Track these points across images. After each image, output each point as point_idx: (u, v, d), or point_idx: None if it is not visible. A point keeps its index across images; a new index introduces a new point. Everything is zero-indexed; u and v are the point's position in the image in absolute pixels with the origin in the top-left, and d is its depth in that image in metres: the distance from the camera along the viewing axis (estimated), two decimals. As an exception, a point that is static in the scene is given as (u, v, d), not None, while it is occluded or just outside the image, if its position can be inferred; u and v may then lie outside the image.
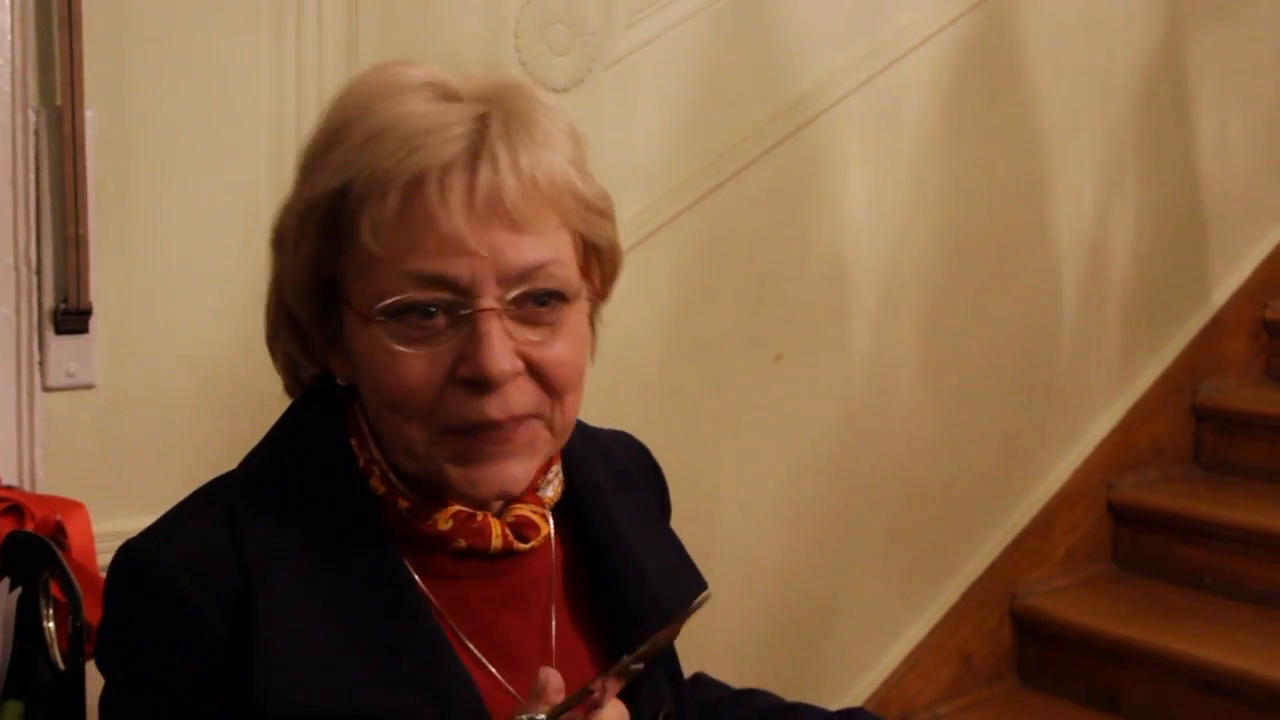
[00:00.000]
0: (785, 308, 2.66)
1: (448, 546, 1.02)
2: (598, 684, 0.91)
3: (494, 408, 0.97)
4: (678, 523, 1.28)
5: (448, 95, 1.01)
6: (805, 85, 2.64)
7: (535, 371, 0.99)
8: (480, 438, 0.98)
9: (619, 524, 1.13)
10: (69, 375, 1.81)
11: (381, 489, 1.02)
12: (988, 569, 3.06)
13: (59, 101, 1.78)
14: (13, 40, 1.76)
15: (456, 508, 1.03)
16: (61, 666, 1.42)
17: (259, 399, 1.97)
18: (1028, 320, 3.13)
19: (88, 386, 1.83)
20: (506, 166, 0.96)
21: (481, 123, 0.98)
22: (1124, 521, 3.30)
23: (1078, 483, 3.24)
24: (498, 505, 1.07)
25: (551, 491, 1.10)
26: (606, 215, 1.06)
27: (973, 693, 3.01)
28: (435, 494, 1.03)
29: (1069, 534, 3.21)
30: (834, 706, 1.31)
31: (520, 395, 0.99)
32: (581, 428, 1.18)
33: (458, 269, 0.96)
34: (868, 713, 1.27)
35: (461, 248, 0.95)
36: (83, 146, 1.78)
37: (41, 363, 1.80)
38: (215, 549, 0.97)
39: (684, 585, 1.16)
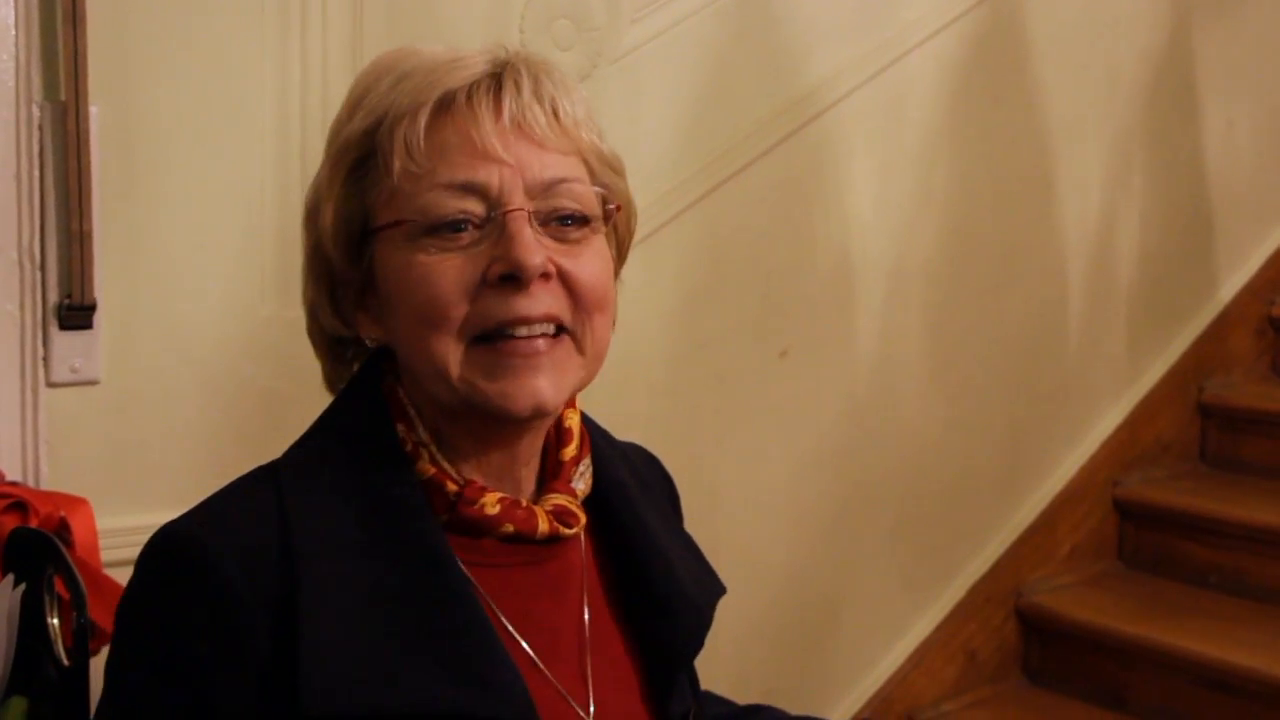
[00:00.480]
0: (791, 304, 2.65)
1: (495, 531, 1.03)
2: None
3: (524, 305, 0.99)
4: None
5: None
6: (810, 81, 2.63)
7: (565, 281, 1.02)
8: (510, 349, 1.00)
9: (645, 519, 1.14)
10: (73, 371, 1.81)
11: (430, 470, 1.02)
12: (993, 566, 3.05)
13: (63, 96, 1.77)
14: (17, 35, 1.76)
15: (501, 494, 1.04)
16: (66, 663, 1.42)
17: (263, 394, 1.98)
18: (1033, 317, 3.12)
19: (92, 382, 1.83)
20: (529, 93, 1.02)
21: (503, 62, 1.04)
22: (1129, 519, 3.29)
23: (1083, 480, 3.23)
24: (531, 490, 1.08)
25: (584, 484, 1.11)
26: (620, 174, 1.09)
27: (978, 690, 3.00)
28: (473, 431, 1.03)
29: (1074, 531, 3.21)
30: (840, 703, 1.32)
31: (551, 297, 1.01)
32: (601, 431, 1.18)
33: (487, 175, 0.99)
34: None
35: (490, 156, 1.00)
36: (87, 142, 1.78)
37: (45, 358, 1.80)
38: (264, 539, 0.96)
39: (705, 587, 1.18)
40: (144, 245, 1.87)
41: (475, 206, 0.99)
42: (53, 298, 1.79)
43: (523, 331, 1.00)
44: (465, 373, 1.00)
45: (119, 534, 1.74)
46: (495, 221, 0.99)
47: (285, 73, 1.98)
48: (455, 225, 0.99)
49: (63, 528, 1.61)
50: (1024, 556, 3.10)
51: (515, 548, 1.04)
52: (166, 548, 0.97)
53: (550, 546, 1.06)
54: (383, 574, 0.97)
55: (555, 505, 1.06)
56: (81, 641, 1.38)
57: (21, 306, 1.78)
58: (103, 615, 1.39)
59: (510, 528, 1.03)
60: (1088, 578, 3.20)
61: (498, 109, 1.00)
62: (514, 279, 0.98)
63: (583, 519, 1.08)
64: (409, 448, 1.03)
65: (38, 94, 1.78)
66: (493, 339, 1.00)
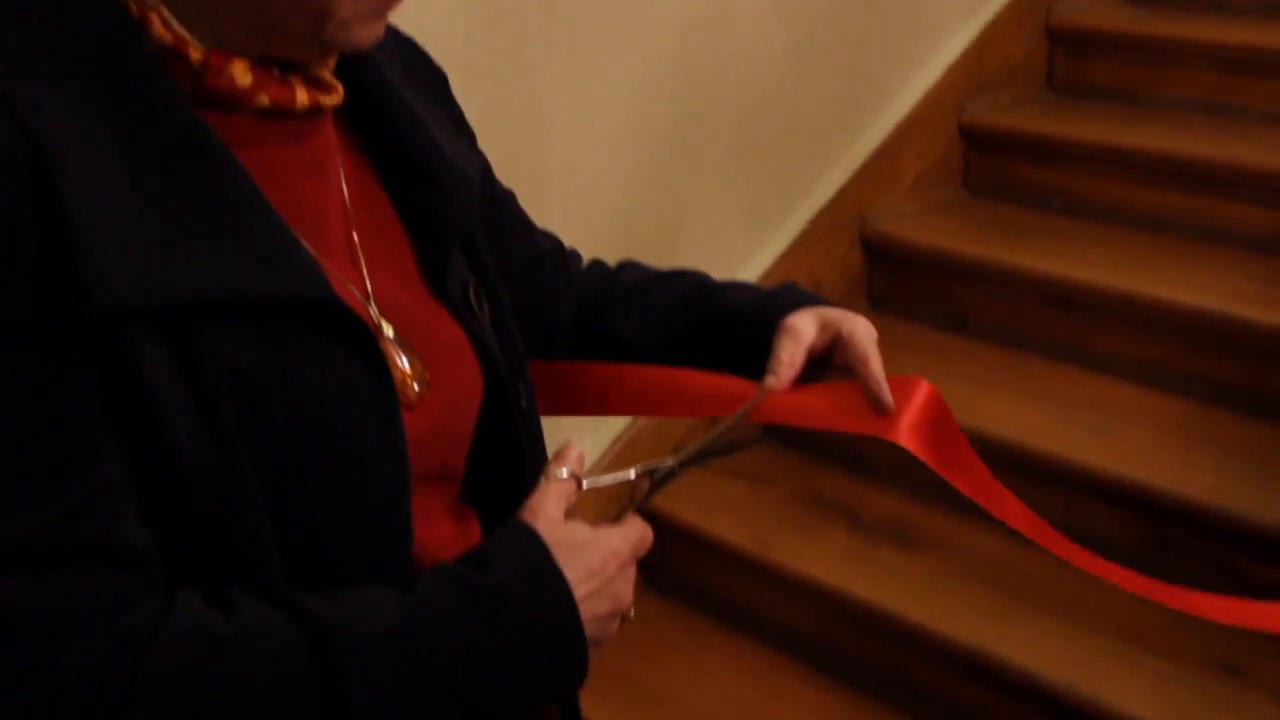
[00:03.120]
0: (617, -89, 2.43)
1: (248, 104, 0.89)
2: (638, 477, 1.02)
3: None
4: (508, 147, 1.13)
5: None
6: None
7: None
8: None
9: (396, 87, 1.04)
10: None
11: (167, 37, 0.85)
12: (836, 194, 2.96)
13: None
14: None
15: (248, 61, 0.88)
16: None
17: None
18: (878, -70, 2.94)
19: None
20: None
21: None
22: (975, 145, 3.22)
23: (928, 106, 3.13)
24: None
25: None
26: None
27: (822, 320, 2.97)
28: (232, 45, 0.88)
29: (919, 158, 3.13)
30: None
31: None
32: None
33: None
34: (799, 289, 1.23)
35: None
36: None
37: None
38: (2, 141, 0.77)
39: (468, 159, 1.09)
40: None
41: None
42: None
43: None
44: (349, 15, 0.88)
45: None
46: None
47: None
48: None
49: None
50: (868, 184, 3.02)
51: (272, 123, 0.91)
52: None
53: (309, 121, 0.94)
54: (142, 155, 0.81)
55: (309, 74, 0.93)
56: None
57: None
58: None
59: (265, 100, 0.89)
60: (932, 204, 3.14)
61: None
62: None
63: (339, 88, 0.96)
64: (135, 12, 0.85)
65: None
66: None
